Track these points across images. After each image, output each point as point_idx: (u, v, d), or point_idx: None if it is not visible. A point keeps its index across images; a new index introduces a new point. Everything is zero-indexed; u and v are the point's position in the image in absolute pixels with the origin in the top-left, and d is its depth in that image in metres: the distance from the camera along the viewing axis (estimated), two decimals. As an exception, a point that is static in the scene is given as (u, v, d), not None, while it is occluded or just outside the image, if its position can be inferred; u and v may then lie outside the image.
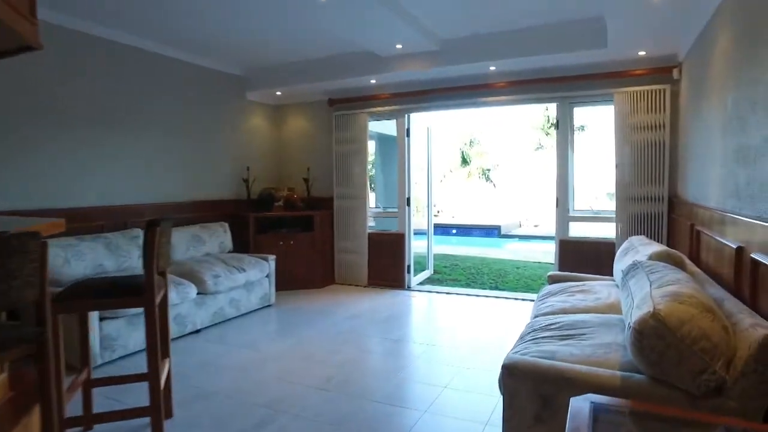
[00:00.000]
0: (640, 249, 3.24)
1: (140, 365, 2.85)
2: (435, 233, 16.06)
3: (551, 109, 20.95)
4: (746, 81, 2.43)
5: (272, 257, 5.28)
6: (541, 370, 1.98)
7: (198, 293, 4.28)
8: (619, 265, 3.42)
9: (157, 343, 2.21)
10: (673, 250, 2.87)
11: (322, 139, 6.45)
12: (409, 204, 6.01)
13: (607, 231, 5.30)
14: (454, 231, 16.37)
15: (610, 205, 5.17)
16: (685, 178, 4.11)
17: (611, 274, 4.80)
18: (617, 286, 3.47)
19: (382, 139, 8.02)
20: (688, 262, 2.93)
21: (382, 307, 5.22)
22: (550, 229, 16.64)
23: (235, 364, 3.58)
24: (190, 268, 4.47)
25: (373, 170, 8.92)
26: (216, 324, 4.52)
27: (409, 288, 6.05)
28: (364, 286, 6.14)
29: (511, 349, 2.41)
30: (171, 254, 4.66)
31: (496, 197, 22.37)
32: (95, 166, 4.40)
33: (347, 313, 4.93)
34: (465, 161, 23.41)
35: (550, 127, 21.57)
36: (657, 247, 3.03)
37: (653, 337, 1.72)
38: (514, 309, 5.10)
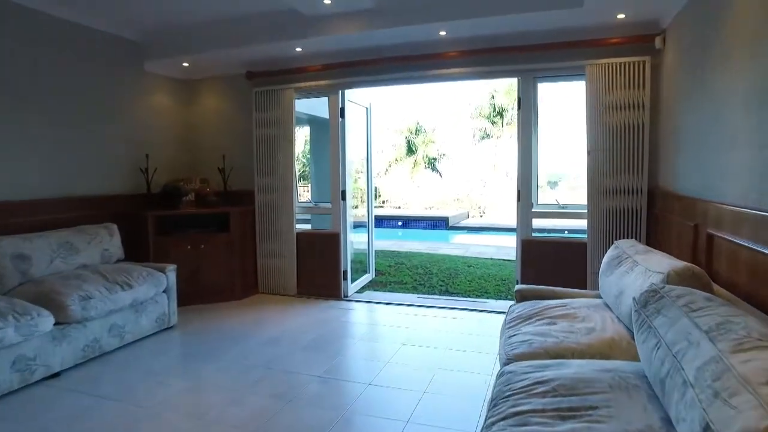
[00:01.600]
0: (640, 260, 2.46)
1: None
2: (380, 225, 15.26)
3: (497, 96, 20.73)
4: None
5: (172, 267, 4.19)
6: None
7: (56, 323, 3.16)
8: (612, 279, 2.63)
9: None
10: (696, 267, 2.10)
11: (241, 121, 5.37)
12: (344, 198, 5.06)
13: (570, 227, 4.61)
14: (400, 223, 15.58)
15: (568, 198, 4.46)
16: (675, 166, 3.39)
17: (586, 283, 4.09)
18: (607, 306, 2.69)
19: (317, 124, 7.00)
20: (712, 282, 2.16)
21: (311, 325, 4.26)
22: (499, 219, 16.17)
23: (92, 431, 2.53)
24: (49, 289, 3.32)
25: (308, 159, 7.90)
26: (88, 361, 3.41)
27: (345, 297, 5.12)
28: (293, 296, 5.16)
29: (484, 434, 1.55)
30: (26, 269, 3.51)
31: (444, 187, 21.82)
32: None
33: (267, 336, 3.95)
34: (411, 150, 22.66)
35: (495, 115, 21.20)
36: (671, 261, 2.24)
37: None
38: (471, 324, 4.29)
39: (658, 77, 3.87)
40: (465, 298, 5.43)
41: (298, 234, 5.17)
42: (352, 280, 5.36)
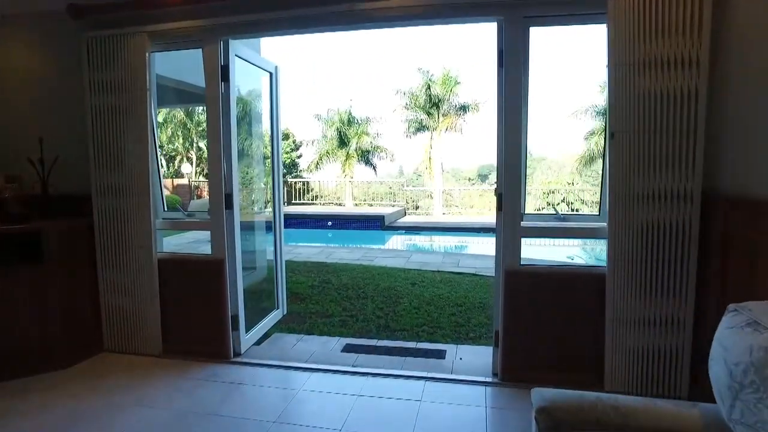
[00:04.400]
0: None
1: None
2: (306, 226, 13.40)
3: (434, 87, 19.38)
4: None
5: None
6: None
7: None
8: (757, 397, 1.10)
9: None
10: None
11: (67, 86, 3.45)
12: (230, 205, 3.29)
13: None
14: (330, 223, 13.85)
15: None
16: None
17: (605, 338, 2.61)
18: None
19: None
20: None
21: (168, 427, 2.50)
22: (437, 217, 14.83)
23: None
24: None
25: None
26: None
27: (236, 356, 3.37)
28: (157, 357, 3.35)
29: None
30: None
31: (378, 182, 20.32)
32: None
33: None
34: (343, 142, 20.95)
35: (431, 106, 19.86)
36: None
37: None
38: (432, 414, 2.69)
39: (722, 16, 2.43)
40: (414, 343, 3.86)
41: (160, 260, 3.35)
42: (251, 324, 3.63)
